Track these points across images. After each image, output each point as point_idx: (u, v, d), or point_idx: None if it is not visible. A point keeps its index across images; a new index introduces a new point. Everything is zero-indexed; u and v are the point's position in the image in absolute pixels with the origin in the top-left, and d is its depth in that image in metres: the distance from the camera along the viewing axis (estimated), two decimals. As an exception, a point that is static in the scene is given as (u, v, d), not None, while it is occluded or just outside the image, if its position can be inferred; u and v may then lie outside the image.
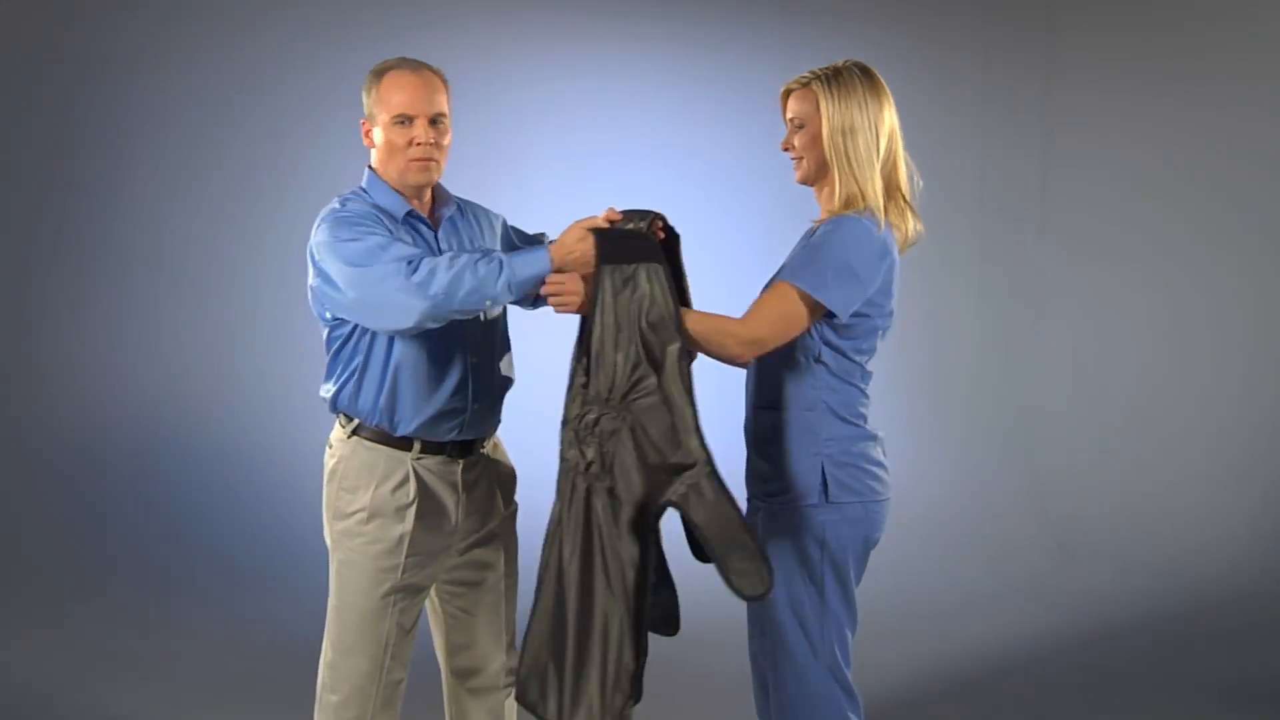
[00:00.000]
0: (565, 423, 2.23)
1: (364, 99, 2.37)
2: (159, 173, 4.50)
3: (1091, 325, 5.31)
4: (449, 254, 2.19)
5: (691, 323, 2.18)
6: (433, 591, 2.51)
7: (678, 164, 5.03)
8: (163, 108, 4.49)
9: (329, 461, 2.41)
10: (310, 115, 4.63)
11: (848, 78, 2.28)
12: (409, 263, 2.15)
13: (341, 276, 2.20)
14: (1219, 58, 4.97)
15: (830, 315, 2.23)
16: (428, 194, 2.41)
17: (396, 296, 2.14)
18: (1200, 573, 4.62)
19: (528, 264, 2.17)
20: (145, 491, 4.36)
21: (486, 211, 2.57)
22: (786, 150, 2.36)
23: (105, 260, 4.46)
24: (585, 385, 2.20)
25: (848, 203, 2.27)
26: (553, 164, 4.83)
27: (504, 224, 2.58)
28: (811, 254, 2.24)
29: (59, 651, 3.76)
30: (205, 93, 4.53)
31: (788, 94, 2.35)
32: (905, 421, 4.86)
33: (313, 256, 2.29)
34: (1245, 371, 4.91)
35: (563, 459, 2.23)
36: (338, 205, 2.33)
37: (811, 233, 2.38)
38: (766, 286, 2.30)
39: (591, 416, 2.18)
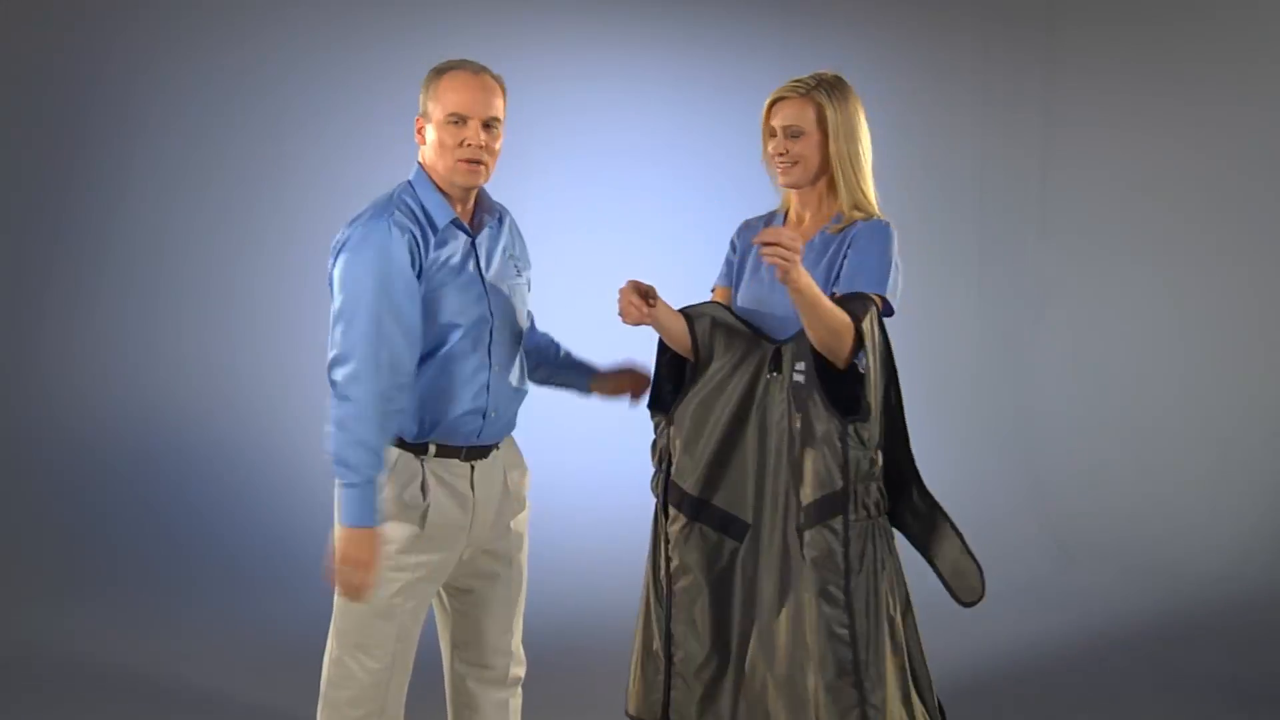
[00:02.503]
0: (858, 481, 2.27)
1: (420, 96, 2.35)
2: (159, 173, 4.49)
3: (1091, 325, 5.31)
4: (377, 425, 2.21)
5: (834, 318, 2.18)
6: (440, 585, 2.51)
7: (678, 164, 5.03)
8: (163, 108, 4.49)
9: None
10: (310, 116, 4.63)
11: (842, 86, 2.35)
12: (376, 397, 2.20)
13: (338, 334, 2.24)
14: (1219, 58, 4.96)
15: (886, 313, 2.32)
16: (472, 198, 2.41)
17: (338, 401, 2.22)
18: (1200, 573, 4.62)
19: (356, 511, 2.21)
20: (145, 491, 4.36)
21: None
22: (779, 156, 2.37)
23: (105, 260, 4.46)
24: (871, 447, 2.28)
25: (856, 208, 2.32)
26: (553, 164, 4.82)
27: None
28: (872, 261, 2.29)
29: (59, 651, 3.76)
30: (205, 93, 4.52)
31: (775, 102, 2.38)
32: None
33: (330, 278, 2.29)
34: (1245, 372, 4.90)
35: (863, 521, 2.31)
36: (379, 225, 2.27)
37: (817, 231, 2.40)
38: (841, 295, 2.29)
39: (876, 467, 2.31)
